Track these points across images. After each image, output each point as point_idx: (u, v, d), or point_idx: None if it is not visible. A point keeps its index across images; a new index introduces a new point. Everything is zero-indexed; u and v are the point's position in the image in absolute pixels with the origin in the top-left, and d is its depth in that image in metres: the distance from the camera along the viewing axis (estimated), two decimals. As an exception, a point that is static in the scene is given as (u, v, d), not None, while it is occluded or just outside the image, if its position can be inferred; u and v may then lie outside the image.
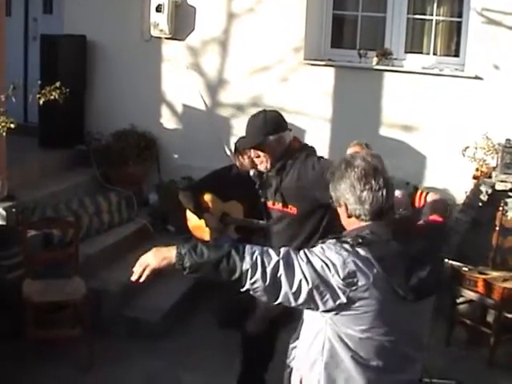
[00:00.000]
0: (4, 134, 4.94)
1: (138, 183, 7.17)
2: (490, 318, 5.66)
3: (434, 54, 6.76)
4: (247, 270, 2.46)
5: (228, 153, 6.95)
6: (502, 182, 5.94)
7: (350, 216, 2.64)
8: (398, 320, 2.54)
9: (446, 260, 5.13)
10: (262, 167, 4.22)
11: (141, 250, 6.26)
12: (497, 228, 5.68)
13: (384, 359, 2.57)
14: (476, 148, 6.17)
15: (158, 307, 5.72)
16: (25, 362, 4.85)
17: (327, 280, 2.44)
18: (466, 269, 5.53)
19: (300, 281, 2.44)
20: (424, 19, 6.80)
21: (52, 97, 4.87)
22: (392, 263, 2.49)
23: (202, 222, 5.67)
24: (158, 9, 6.93)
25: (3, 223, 5.60)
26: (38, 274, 5.21)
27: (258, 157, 4.18)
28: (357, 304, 2.46)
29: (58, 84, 4.88)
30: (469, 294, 5.50)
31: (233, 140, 6.48)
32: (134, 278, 2.65)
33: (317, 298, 2.46)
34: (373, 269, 2.46)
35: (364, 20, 6.94)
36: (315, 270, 2.45)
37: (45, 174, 6.75)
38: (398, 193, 3.72)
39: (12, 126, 4.81)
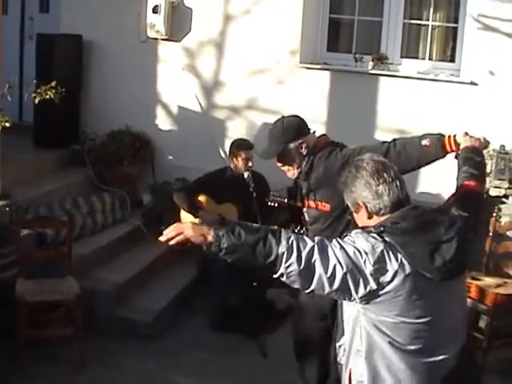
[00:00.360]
0: (-1, 132, 4.95)
1: (133, 184, 7.16)
2: (482, 324, 5.66)
3: (430, 59, 6.78)
4: (283, 253, 2.50)
5: (222, 155, 6.95)
6: (495, 187, 5.95)
7: (370, 216, 2.70)
8: (428, 301, 2.58)
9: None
10: (289, 174, 4.20)
11: (134, 250, 6.25)
12: (490, 234, 5.70)
13: (421, 342, 2.61)
14: (470, 153, 6.16)
15: (150, 308, 5.71)
16: (17, 361, 4.84)
17: (360, 266, 2.50)
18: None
19: (334, 265, 2.49)
20: (420, 24, 6.83)
21: (47, 96, 4.89)
22: (415, 248, 2.54)
23: (196, 223, 5.66)
24: (155, 10, 6.93)
25: (-3, 222, 5.59)
26: (32, 274, 5.19)
27: (283, 166, 4.15)
28: (386, 290, 2.51)
29: (53, 83, 4.89)
30: (461, 299, 5.51)
31: (227, 142, 6.47)
32: (163, 238, 2.66)
33: (350, 283, 2.50)
34: (398, 254, 2.52)
35: (360, 24, 6.96)
36: (348, 256, 2.51)
37: (39, 173, 6.73)
38: (425, 141, 3.86)
39: (7, 124, 4.82)
